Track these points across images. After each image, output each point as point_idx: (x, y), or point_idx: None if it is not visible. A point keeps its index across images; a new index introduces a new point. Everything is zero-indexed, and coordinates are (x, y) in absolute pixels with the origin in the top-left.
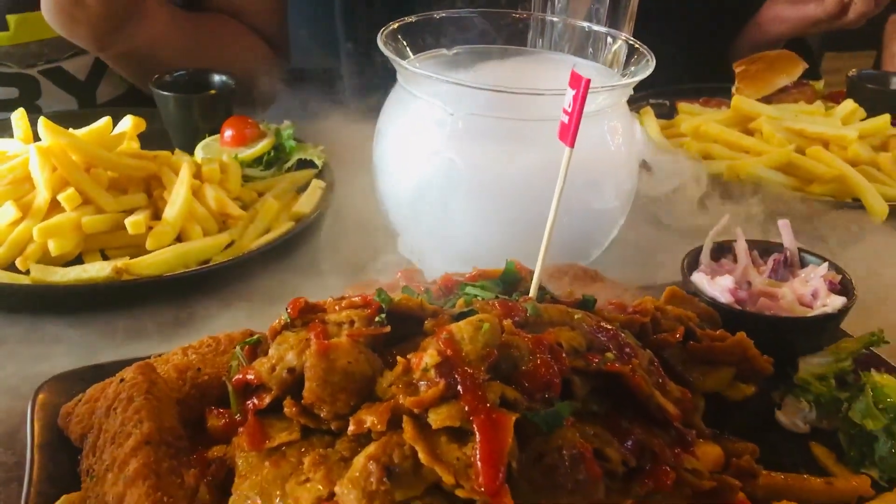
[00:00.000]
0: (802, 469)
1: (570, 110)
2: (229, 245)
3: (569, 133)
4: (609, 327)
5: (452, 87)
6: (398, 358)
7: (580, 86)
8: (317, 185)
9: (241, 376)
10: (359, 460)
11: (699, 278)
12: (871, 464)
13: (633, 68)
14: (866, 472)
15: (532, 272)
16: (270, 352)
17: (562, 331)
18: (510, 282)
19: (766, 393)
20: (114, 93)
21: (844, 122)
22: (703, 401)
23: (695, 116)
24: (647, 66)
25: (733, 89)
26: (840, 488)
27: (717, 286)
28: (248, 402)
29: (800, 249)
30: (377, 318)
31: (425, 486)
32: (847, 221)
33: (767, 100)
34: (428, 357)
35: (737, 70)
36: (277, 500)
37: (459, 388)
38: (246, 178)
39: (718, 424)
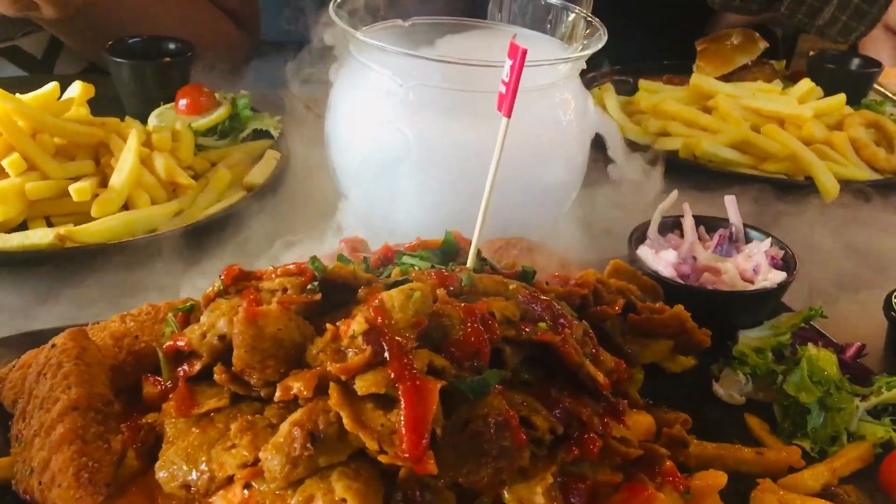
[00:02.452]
0: (737, 440)
1: (507, 81)
2: (178, 214)
3: (505, 103)
4: (545, 298)
5: (403, 57)
6: (327, 325)
7: (517, 56)
8: (271, 156)
9: (172, 343)
10: (283, 426)
11: (644, 252)
12: (803, 435)
13: (586, 41)
14: (798, 444)
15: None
16: (202, 319)
17: (495, 300)
18: (449, 252)
19: (705, 366)
20: (72, 71)
21: (801, 101)
22: (643, 373)
23: (654, 94)
24: (598, 40)
25: (694, 67)
26: (770, 458)
27: (661, 260)
28: (180, 368)
29: (745, 225)
30: (309, 286)
31: (350, 452)
32: (798, 199)
33: (727, 78)
34: (356, 324)
35: (698, 48)
36: (202, 466)
37: (386, 355)
38: (200, 148)
39: (657, 396)
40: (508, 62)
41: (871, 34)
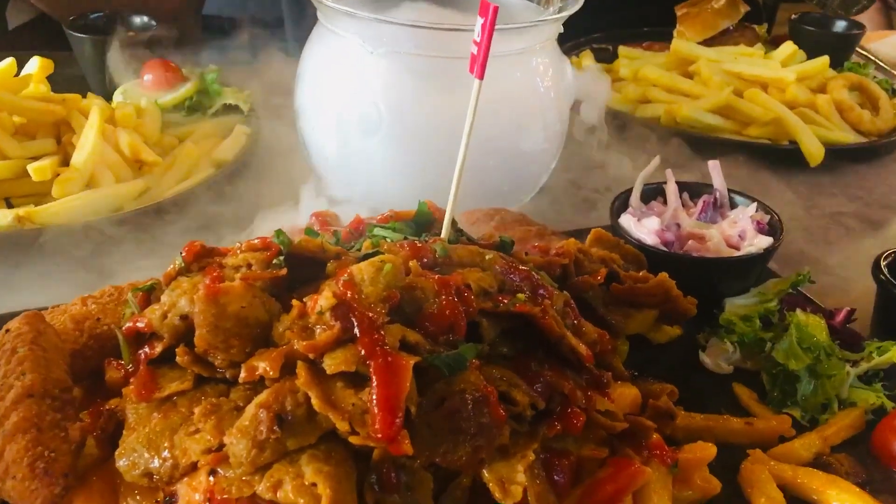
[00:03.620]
0: (725, 410)
1: (479, 41)
2: (145, 193)
3: (477, 64)
4: (523, 268)
5: (373, 23)
6: (293, 301)
7: (488, 13)
8: (241, 131)
9: (131, 324)
10: (249, 408)
11: (627, 220)
12: (793, 403)
13: (562, 3)
14: (788, 412)
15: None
16: (163, 298)
17: (471, 272)
18: (423, 223)
19: (691, 335)
20: (27, 14)
21: (784, 64)
22: (628, 344)
23: (634, 60)
24: (575, 2)
25: (675, 32)
26: (760, 429)
27: (644, 228)
28: (140, 351)
29: (730, 190)
30: (275, 261)
31: (319, 434)
32: (782, 164)
33: (709, 43)
34: (323, 299)
35: (679, 13)
36: (165, 453)
37: (356, 331)
38: (167, 125)
39: (642, 367)
40: (480, 20)
41: None
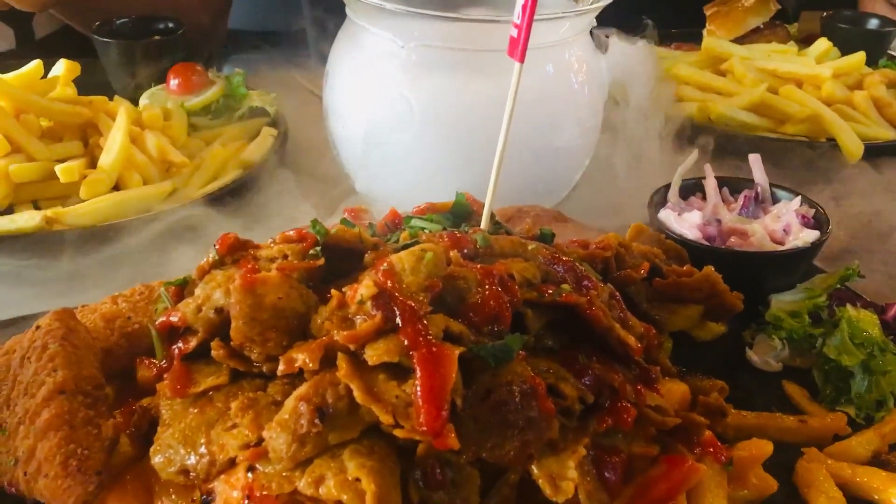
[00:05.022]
0: (775, 408)
1: (519, 23)
2: (173, 194)
3: (518, 47)
4: (567, 259)
5: (403, 17)
6: (332, 291)
7: None
8: (267, 133)
9: (164, 319)
10: (289, 402)
11: (666, 215)
12: (846, 401)
13: None
14: (842, 410)
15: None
16: (196, 291)
17: (514, 262)
18: (461, 215)
19: (736, 332)
20: (53, 25)
21: (818, 61)
22: (671, 342)
23: (665, 59)
24: None
25: (704, 31)
26: (814, 426)
27: (685, 222)
28: (174, 346)
29: (771, 185)
30: (311, 252)
31: (362, 428)
32: (820, 160)
33: (739, 41)
34: (364, 288)
35: (708, 13)
36: (202, 449)
37: (398, 320)
38: (194, 128)
39: (687, 365)
40: (520, 2)
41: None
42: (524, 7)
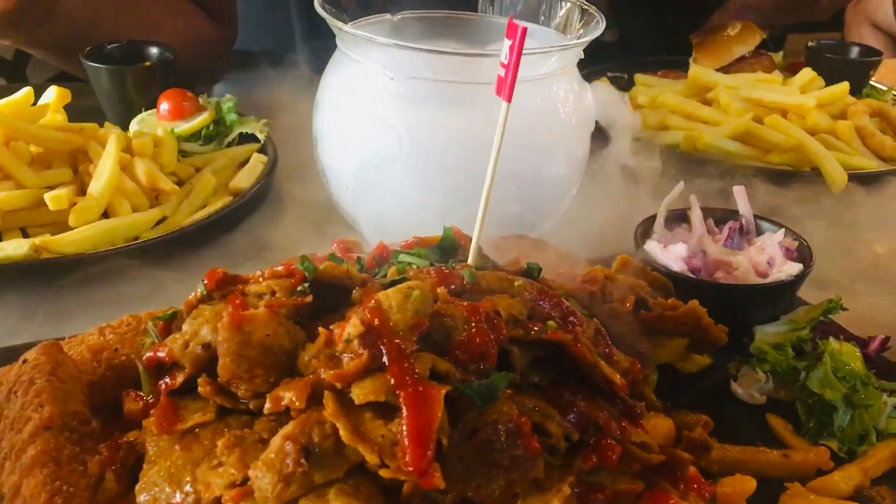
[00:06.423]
0: (759, 441)
1: (507, 63)
2: (162, 221)
3: (505, 86)
4: (553, 295)
5: (392, 49)
6: (320, 329)
7: (516, 34)
8: (258, 160)
9: (152, 354)
10: (274, 441)
11: (652, 247)
12: (829, 435)
13: (582, 30)
14: (825, 444)
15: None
16: (184, 327)
17: (500, 299)
18: (448, 249)
19: (721, 364)
20: (45, 74)
21: (803, 91)
22: (657, 374)
23: (651, 88)
24: (596, 28)
25: (690, 60)
26: (798, 461)
27: (671, 254)
28: (161, 381)
29: (756, 216)
30: (299, 288)
31: (347, 467)
32: (804, 190)
33: (725, 70)
34: (351, 327)
35: (694, 41)
36: (187, 487)
37: (385, 359)
38: (184, 154)
39: (672, 397)
40: (507, 42)
41: (860, 31)
42: (511, 48)
